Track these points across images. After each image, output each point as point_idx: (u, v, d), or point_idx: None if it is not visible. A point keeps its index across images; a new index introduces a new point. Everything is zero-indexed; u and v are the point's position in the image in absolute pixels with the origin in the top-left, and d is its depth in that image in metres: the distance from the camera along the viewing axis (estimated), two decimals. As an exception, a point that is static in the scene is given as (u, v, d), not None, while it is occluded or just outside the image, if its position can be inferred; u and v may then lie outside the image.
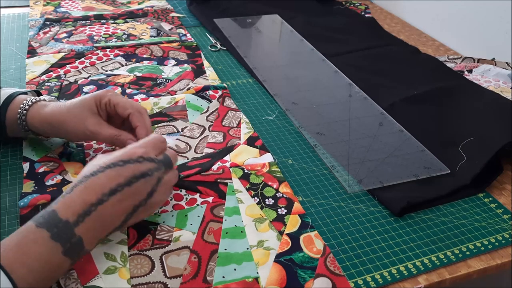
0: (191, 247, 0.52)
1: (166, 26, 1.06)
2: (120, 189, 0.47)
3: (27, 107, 0.61)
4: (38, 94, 0.68)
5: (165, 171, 0.52)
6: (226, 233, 0.54)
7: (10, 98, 0.62)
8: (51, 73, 0.84)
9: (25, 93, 0.65)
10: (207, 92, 0.79)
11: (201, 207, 0.57)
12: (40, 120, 0.60)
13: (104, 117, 0.61)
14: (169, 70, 0.88)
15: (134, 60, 0.91)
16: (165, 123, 0.73)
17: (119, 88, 0.81)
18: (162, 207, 0.57)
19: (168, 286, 0.48)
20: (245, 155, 0.66)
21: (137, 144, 0.52)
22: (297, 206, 0.58)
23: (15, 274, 0.40)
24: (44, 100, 0.63)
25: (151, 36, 1.01)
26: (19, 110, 0.61)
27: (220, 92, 0.80)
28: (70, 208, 0.44)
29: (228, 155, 0.66)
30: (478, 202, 0.61)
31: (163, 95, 0.79)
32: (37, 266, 0.41)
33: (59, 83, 0.81)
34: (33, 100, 0.61)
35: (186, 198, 0.59)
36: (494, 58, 0.94)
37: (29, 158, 0.63)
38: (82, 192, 0.46)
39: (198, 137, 0.70)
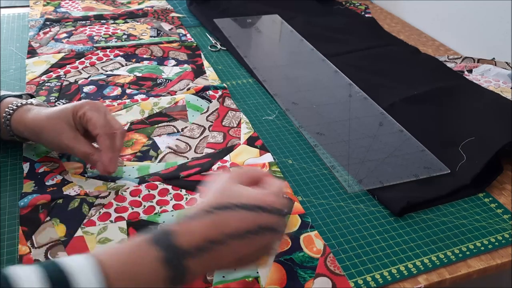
0: (191, 247, 0.52)
1: (166, 26, 1.06)
2: (246, 235, 0.42)
3: (11, 111, 0.59)
4: (32, 97, 0.67)
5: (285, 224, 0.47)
6: (226, 233, 0.54)
7: None
8: (51, 73, 0.84)
9: (20, 96, 0.64)
10: (207, 92, 0.79)
11: (201, 207, 0.57)
12: (24, 125, 0.58)
13: (81, 130, 0.59)
14: (169, 70, 0.88)
15: (134, 60, 0.91)
16: (165, 123, 0.73)
17: (119, 88, 0.81)
18: (162, 207, 0.57)
19: (168, 286, 0.48)
20: (245, 155, 0.66)
21: (274, 191, 0.46)
22: (297, 206, 0.58)
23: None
24: (31, 103, 0.61)
25: (151, 36, 1.01)
26: (4, 114, 0.59)
27: (220, 92, 0.80)
28: (188, 237, 0.40)
29: (228, 155, 0.66)
30: (478, 202, 0.61)
31: (163, 95, 0.79)
32: (138, 285, 0.37)
33: (59, 84, 0.81)
34: (18, 104, 0.59)
35: (186, 198, 0.59)
36: (494, 58, 0.94)
37: (29, 158, 0.63)
38: (207, 226, 0.41)
39: (198, 137, 0.70)
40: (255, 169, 0.49)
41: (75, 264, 0.35)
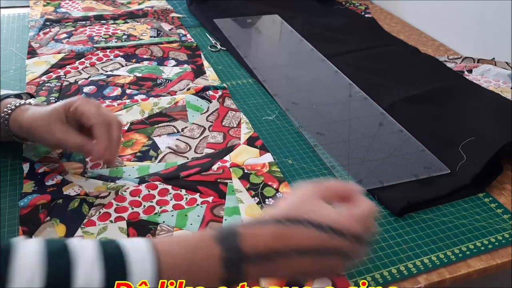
0: (191, 247, 0.52)
1: (166, 27, 1.06)
2: (311, 254, 0.40)
3: (9, 111, 0.59)
4: (32, 96, 0.66)
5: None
6: (226, 233, 0.54)
7: None
8: (51, 73, 0.85)
9: (20, 95, 0.63)
10: (207, 92, 0.79)
11: (201, 207, 0.57)
12: (19, 125, 0.58)
13: (75, 125, 0.58)
14: (169, 71, 0.88)
15: (134, 60, 0.91)
16: (165, 123, 0.73)
17: (119, 89, 0.81)
18: (162, 207, 0.57)
19: (168, 286, 0.48)
20: (245, 155, 0.66)
21: (360, 215, 0.43)
22: (297, 206, 0.58)
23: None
24: (30, 103, 0.60)
25: (151, 37, 1.01)
26: (3, 114, 0.59)
27: (220, 92, 0.80)
28: (253, 242, 0.39)
29: (228, 155, 0.66)
30: (478, 202, 0.61)
31: (163, 96, 0.79)
32: (192, 278, 0.37)
33: (59, 84, 0.81)
34: (17, 104, 0.59)
35: (186, 198, 0.59)
36: (494, 58, 0.94)
37: (29, 159, 0.63)
38: (274, 235, 0.40)
39: (198, 137, 0.70)
40: (344, 185, 0.46)
41: (132, 245, 0.37)
